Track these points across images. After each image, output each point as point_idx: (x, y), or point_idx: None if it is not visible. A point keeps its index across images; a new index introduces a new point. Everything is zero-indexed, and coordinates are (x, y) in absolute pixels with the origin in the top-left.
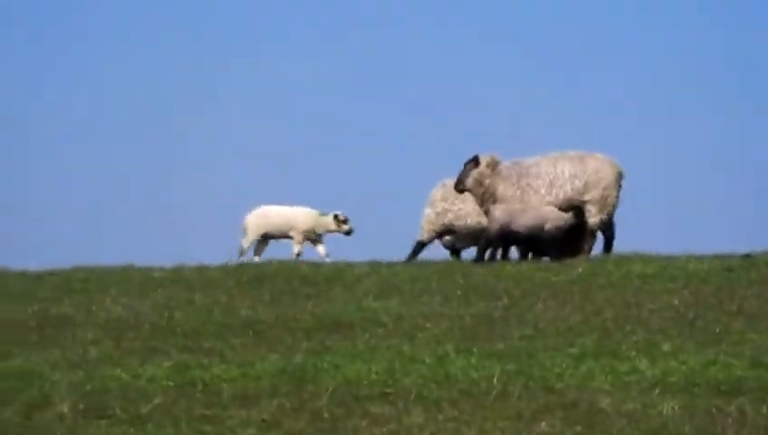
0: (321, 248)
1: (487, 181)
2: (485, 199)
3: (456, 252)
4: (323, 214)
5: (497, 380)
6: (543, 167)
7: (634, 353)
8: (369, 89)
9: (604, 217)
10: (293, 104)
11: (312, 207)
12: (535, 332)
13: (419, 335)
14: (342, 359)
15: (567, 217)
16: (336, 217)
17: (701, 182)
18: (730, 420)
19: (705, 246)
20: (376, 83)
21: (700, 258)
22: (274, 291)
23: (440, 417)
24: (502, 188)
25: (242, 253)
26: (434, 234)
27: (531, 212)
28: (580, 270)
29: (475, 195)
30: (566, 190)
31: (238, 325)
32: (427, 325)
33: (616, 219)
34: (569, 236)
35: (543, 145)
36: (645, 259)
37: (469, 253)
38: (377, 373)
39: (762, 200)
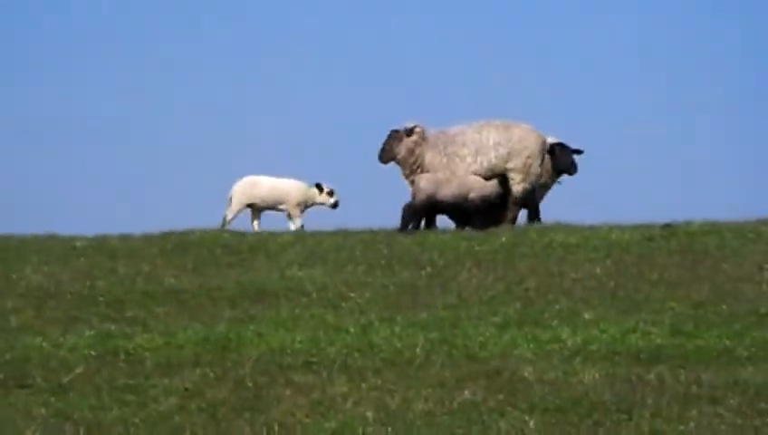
0: (297, 221)
1: (417, 150)
2: (414, 169)
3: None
4: (309, 186)
5: (421, 349)
6: (469, 135)
7: (556, 322)
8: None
9: (527, 185)
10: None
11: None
12: (459, 301)
13: (343, 305)
14: (266, 328)
15: (492, 186)
16: (321, 188)
17: (624, 152)
18: (649, 388)
19: (626, 216)
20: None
21: (622, 228)
22: (198, 260)
23: (364, 386)
24: (429, 157)
25: (225, 223)
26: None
27: (455, 181)
28: (504, 239)
29: (404, 164)
30: (490, 158)
31: (161, 294)
32: (351, 295)
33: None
34: (493, 206)
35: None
36: (567, 229)
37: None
38: (300, 342)
39: (684, 171)
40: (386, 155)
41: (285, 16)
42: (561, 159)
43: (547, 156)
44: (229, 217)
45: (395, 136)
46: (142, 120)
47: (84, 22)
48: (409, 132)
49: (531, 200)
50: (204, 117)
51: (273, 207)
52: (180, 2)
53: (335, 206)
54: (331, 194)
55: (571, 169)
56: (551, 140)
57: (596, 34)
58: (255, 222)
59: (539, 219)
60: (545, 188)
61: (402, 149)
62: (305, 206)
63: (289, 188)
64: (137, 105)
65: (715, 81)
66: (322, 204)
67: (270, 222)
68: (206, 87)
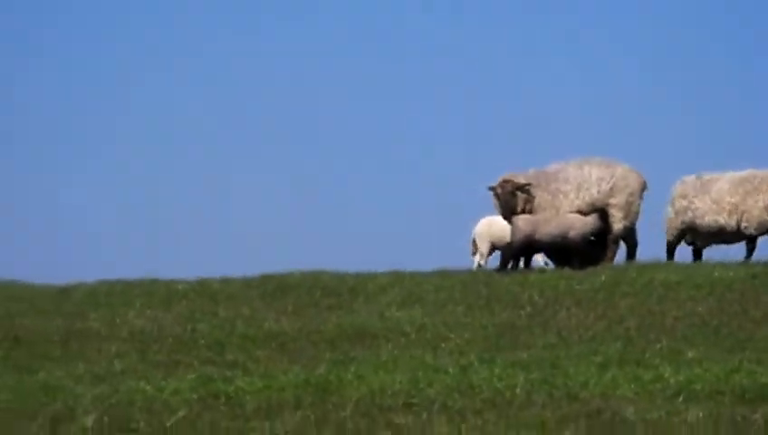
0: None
1: (531, 197)
2: (526, 212)
3: (697, 252)
4: None
5: (521, 389)
6: (571, 171)
7: (658, 361)
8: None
9: (627, 223)
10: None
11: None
12: (559, 340)
13: (442, 345)
14: (366, 369)
15: (591, 223)
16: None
17: None
18: (755, 428)
19: (731, 254)
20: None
21: (725, 265)
22: (297, 302)
23: (464, 427)
24: (539, 197)
25: (480, 266)
26: (676, 232)
27: (554, 221)
28: (603, 278)
29: (516, 211)
30: (593, 193)
31: (261, 337)
32: (451, 335)
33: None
34: (592, 245)
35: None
36: (668, 267)
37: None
38: (400, 384)
39: None
40: (511, 212)
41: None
42: None
43: None
44: (481, 261)
45: (509, 193)
46: (240, 165)
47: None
48: (519, 187)
49: (630, 239)
50: (303, 161)
51: (499, 248)
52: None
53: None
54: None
55: None
56: None
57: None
58: (482, 259)
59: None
60: None
61: (521, 202)
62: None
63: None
64: (232, 149)
65: None
66: None
67: (367, 263)
68: (305, 132)
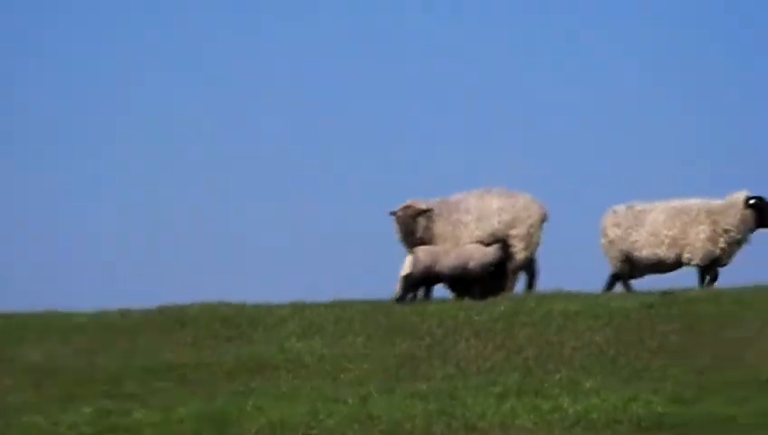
0: None
1: (431, 225)
2: (425, 241)
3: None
4: None
5: (420, 419)
6: (472, 202)
7: (557, 391)
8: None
9: (528, 254)
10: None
11: None
12: (457, 370)
13: (342, 376)
14: (265, 401)
15: (491, 253)
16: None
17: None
18: None
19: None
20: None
21: (621, 296)
22: (196, 334)
23: None
24: (439, 227)
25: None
26: (618, 262)
27: (454, 252)
28: (502, 308)
29: (415, 240)
30: (493, 223)
31: (160, 369)
32: (350, 366)
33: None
34: (492, 275)
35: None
36: (567, 297)
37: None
38: (300, 415)
39: None
40: (410, 239)
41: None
42: (766, 215)
43: (749, 211)
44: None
45: (409, 218)
46: (142, 194)
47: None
48: (423, 213)
49: (530, 268)
50: (204, 190)
51: None
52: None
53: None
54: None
55: None
56: (746, 195)
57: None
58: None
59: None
60: (739, 244)
61: (420, 229)
62: None
63: None
64: (136, 178)
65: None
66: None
67: (267, 295)
68: (205, 161)
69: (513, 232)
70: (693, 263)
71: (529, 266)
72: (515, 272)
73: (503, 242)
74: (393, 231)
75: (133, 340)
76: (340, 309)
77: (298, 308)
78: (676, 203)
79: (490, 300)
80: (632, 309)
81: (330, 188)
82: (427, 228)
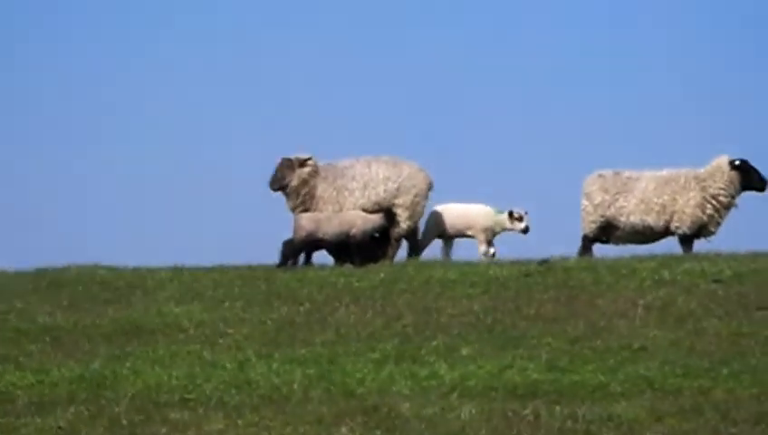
0: (483, 248)
1: (311, 182)
2: (304, 200)
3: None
4: (499, 212)
5: (298, 385)
6: (358, 169)
7: (434, 358)
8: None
9: (412, 223)
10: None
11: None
12: (337, 337)
13: (221, 341)
14: (142, 365)
15: (374, 220)
16: (511, 214)
17: (510, 188)
18: (525, 423)
19: (505, 252)
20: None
21: (499, 264)
22: (73, 297)
23: (240, 422)
24: (321, 189)
25: (418, 253)
26: (596, 226)
27: (336, 219)
28: (382, 275)
29: (294, 195)
30: (379, 192)
31: (34, 331)
32: (229, 331)
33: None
34: (374, 242)
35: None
36: (446, 265)
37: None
38: (177, 379)
39: (559, 209)
40: (278, 183)
41: None
42: (751, 177)
43: (734, 173)
44: (422, 247)
45: (287, 164)
46: (21, 155)
47: None
48: (303, 163)
49: (413, 237)
50: (80, 149)
51: (462, 235)
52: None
53: (526, 231)
54: (520, 219)
55: (762, 184)
56: (728, 158)
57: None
58: (447, 251)
59: (418, 255)
60: (728, 208)
61: (295, 178)
62: (493, 232)
63: (476, 214)
64: (4, 136)
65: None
66: (511, 230)
67: (148, 259)
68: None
69: (398, 201)
70: (680, 231)
71: (412, 235)
72: (398, 240)
73: (387, 211)
74: (275, 196)
75: (8, 301)
76: (219, 274)
77: (177, 272)
78: (665, 171)
79: (370, 267)
80: (510, 277)
81: (212, 150)
82: (309, 186)
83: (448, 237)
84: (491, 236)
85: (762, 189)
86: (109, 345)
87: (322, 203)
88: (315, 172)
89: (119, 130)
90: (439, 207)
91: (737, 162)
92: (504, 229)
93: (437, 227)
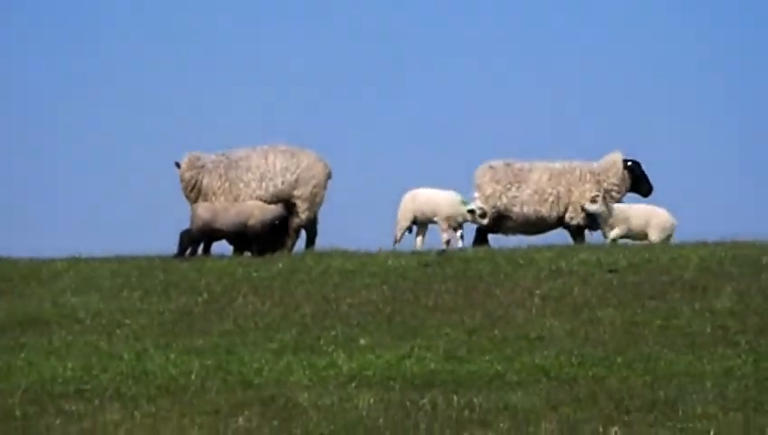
0: (444, 236)
1: (188, 175)
2: (190, 195)
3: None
4: (465, 202)
5: (196, 375)
6: (254, 160)
7: (332, 348)
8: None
9: (311, 214)
10: None
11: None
12: (235, 327)
13: (118, 331)
14: (37, 356)
15: (272, 211)
16: (472, 211)
17: (402, 177)
18: (423, 413)
19: (404, 244)
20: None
21: (398, 255)
22: None
23: (137, 413)
24: (207, 181)
25: (395, 240)
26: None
27: (233, 209)
28: (281, 265)
29: (184, 192)
30: (277, 184)
31: None
32: (127, 321)
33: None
34: (273, 232)
35: None
36: (345, 255)
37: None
38: (72, 370)
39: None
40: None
41: None
42: (640, 179)
43: (626, 172)
44: (397, 234)
45: (182, 170)
46: None
47: None
48: (178, 166)
49: (312, 227)
50: None
51: (430, 221)
52: None
53: (483, 216)
54: (483, 216)
55: (648, 191)
56: (622, 156)
57: None
58: (419, 238)
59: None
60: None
61: (182, 184)
62: (456, 221)
63: (440, 200)
64: None
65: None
66: (472, 221)
67: (42, 249)
68: None
69: (297, 193)
70: (574, 222)
71: (311, 225)
72: (297, 230)
73: (285, 202)
74: (173, 185)
75: None
76: (117, 264)
77: (74, 262)
78: (558, 163)
79: (269, 257)
80: (409, 268)
81: (111, 139)
82: (186, 181)
83: (421, 223)
84: (455, 224)
85: (646, 195)
86: (2, 336)
87: (212, 195)
88: (187, 168)
89: (16, 116)
90: (410, 193)
91: (629, 162)
92: (466, 220)
93: (409, 212)
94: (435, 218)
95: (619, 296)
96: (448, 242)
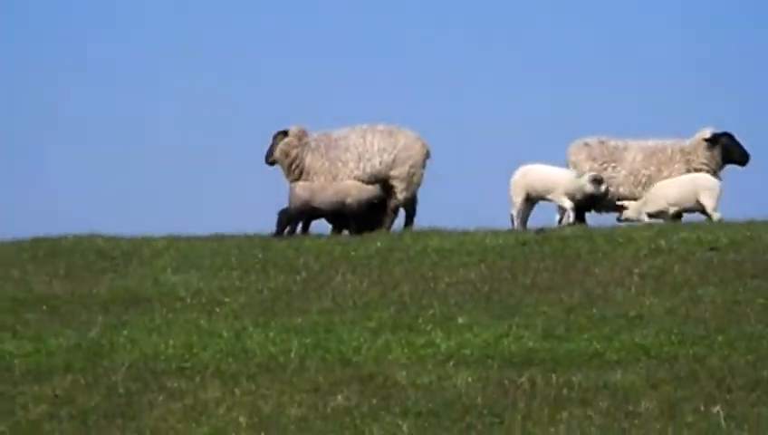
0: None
1: (293, 153)
2: (292, 171)
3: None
4: (578, 176)
5: (294, 354)
6: (352, 139)
7: (430, 327)
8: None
9: (408, 194)
10: None
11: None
12: (333, 305)
13: (217, 310)
14: (139, 334)
15: (369, 190)
16: (595, 179)
17: (497, 158)
18: (521, 392)
19: (501, 222)
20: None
21: (496, 233)
22: (70, 266)
23: (237, 391)
24: (309, 160)
25: (513, 220)
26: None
27: (331, 188)
28: (379, 244)
29: (282, 167)
30: (374, 164)
31: (31, 300)
32: (226, 299)
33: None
34: (371, 211)
35: None
36: (442, 234)
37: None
38: (173, 348)
39: None
40: (268, 157)
41: None
42: (731, 150)
43: (717, 147)
44: (513, 211)
45: (276, 138)
46: (15, 126)
47: None
48: (285, 134)
49: (410, 207)
50: (78, 121)
51: (542, 198)
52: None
53: (606, 195)
54: (600, 182)
55: (743, 159)
56: (710, 131)
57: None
58: (513, 210)
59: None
60: None
61: (277, 150)
62: (574, 196)
63: (557, 176)
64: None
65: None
66: (594, 194)
67: (145, 228)
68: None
69: (394, 173)
70: None
71: (409, 204)
72: (395, 210)
73: (383, 182)
74: (273, 166)
75: (5, 270)
76: (216, 243)
77: (173, 241)
78: (651, 142)
79: (366, 236)
80: (506, 246)
81: (209, 119)
82: (291, 157)
83: (531, 200)
84: (572, 200)
85: (743, 164)
86: (105, 314)
87: (314, 174)
88: (298, 142)
89: (117, 101)
90: (521, 169)
91: (713, 136)
92: (585, 194)
93: (521, 189)
94: (548, 196)
95: (719, 275)
96: (561, 218)
